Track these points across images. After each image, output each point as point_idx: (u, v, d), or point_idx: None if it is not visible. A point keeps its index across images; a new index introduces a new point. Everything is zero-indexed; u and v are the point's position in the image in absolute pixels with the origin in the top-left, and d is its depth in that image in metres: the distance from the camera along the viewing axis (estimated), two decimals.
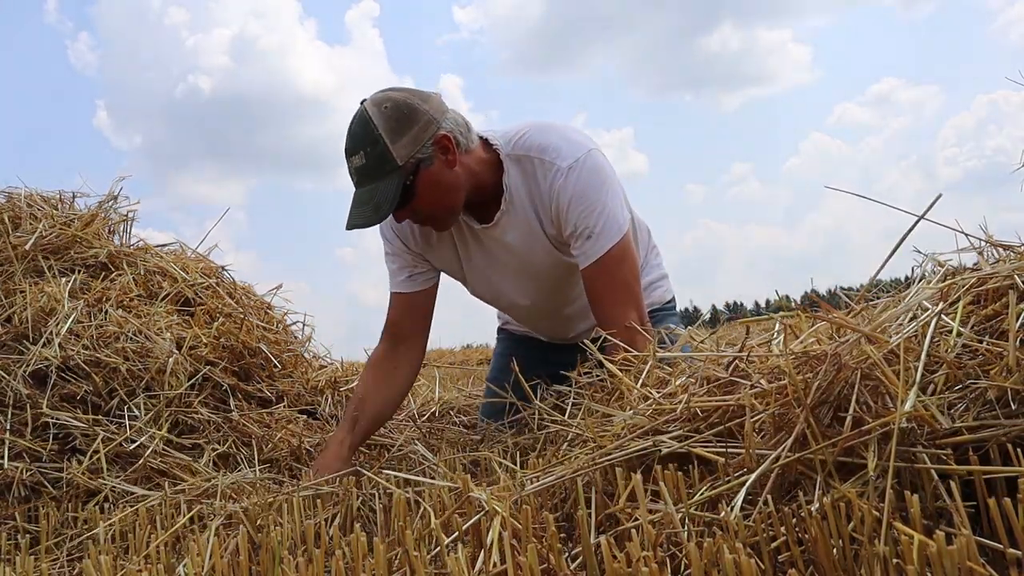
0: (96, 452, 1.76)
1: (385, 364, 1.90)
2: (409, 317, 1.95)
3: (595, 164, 1.69)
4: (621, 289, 1.69)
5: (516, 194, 1.74)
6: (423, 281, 1.92)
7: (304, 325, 2.70)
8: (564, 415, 1.40)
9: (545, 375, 1.96)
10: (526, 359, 1.94)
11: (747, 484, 0.85)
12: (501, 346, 2.38)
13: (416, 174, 1.62)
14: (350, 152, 1.63)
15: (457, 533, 0.98)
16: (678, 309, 2.25)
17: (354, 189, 1.65)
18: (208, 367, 2.10)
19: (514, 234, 1.79)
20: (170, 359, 2.00)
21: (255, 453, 1.92)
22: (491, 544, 0.90)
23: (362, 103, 1.64)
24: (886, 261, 1.02)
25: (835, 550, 0.73)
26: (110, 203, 2.66)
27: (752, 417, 0.92)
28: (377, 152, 1.59)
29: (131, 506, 1.56)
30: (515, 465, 1.34)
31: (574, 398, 1.46)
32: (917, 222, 0.99)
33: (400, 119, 1.60)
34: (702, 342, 1.36)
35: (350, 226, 1.63)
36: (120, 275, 2.34)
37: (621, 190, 1.77)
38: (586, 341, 1.57)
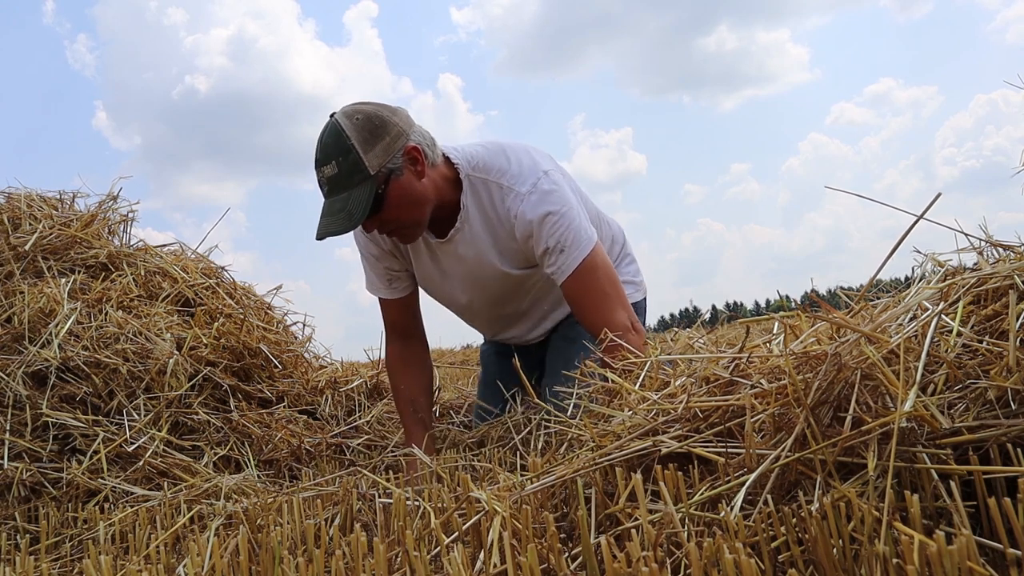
0: (96, 452, 1.76)
1: (413, 361, 2.00)
2: (408, 314, 2.03)
3: (552, 185, 1.74)
4: (601, 295, 1.73)
5: (472, 214, 1.79)
6: (403, 288, 1.99)
7: (304, 325, 2.70)
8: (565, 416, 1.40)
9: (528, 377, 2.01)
10: (503, 369, 1.99)
11: (747, 484, 0.85)
12: (483, 361, 2.42)
13: (387, 183, 1.65)
14: (321, 163, 1.65)
15: (457, 533, 0.98)
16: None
17: (324, 200, 1.67)
18: (208, 368, 2.10)
19: (466, 250, 1.84)
20: (170, 360, 2.00)
21: (252, 454, 1.92)
22: (491, 544, 0.90)
23: (332, 116, 1.68)
24: (886, 261, 1.02)
25: (835, 550, 0.73)
26: (110, 203, 2.66)
27: (752, 417, 0.92)
28: (350, 161, 1.62)
29: (131, 506, 1.56)
30: (515, 466, 1.34)
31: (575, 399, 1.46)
32: (916, 221, 0.99)
33: (372, 130, 1.63)
34: (700, 341, 1.36)
35: (322, 235, 1.65)
36: (120, 276, 2.34)
37: (584, 203, 1.84)
38: (588, 343, 1.60)
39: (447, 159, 1.79)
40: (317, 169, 1.67)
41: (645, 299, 2.23)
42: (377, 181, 1.63)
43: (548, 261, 1.74)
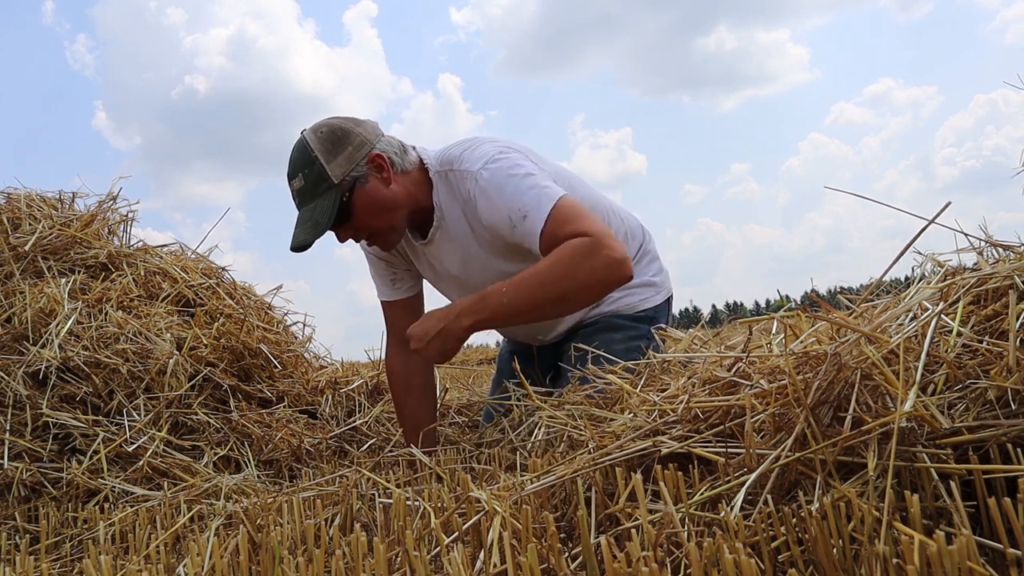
0: (96, 452, 1.76)
1: (415, 383, 2.00)
2: (407, 322, 2.01)
3: (504, 158, 1.70)
4: (579, 217, 1.60)
5: (447, 210, 1.79)
6: (407, 289, 2.00)
7: (304, 325, 2.70)
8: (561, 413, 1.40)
9: (540, 375, 1.99)
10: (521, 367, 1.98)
11: (747, 484, 0.85)
12: (498, 360, 2.41)
13: (352, 191, 1.69)
14: (290, 177, 1.72)
15: (457, 533, 0.98)
16: (664, 317, 2.10)
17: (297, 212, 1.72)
18: (208, 368, 2.10)
19: (449, 249, 1.84)
20: (170, 360, 2.00)
21: (252, 454, 1.92)
22: (491, 544, 0.90)
23: (302, 132, 1.73)
24: (890, 267, 1.02)
25: (835, 550, 0.73)
26: (109, 203, 2.66)
27: (752, 417, 0.92)
28: (314, 173, 1.67)
29: (131, 506, 1.56)
30: (515, 466, 1.34)
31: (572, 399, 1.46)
32: (925, 228, 0.98)
33: (334, 141, 1.69)
34: (704, 344, 1.36)
35: (293, 245, 1.70)
36: (120, 276, 2.34)
37: (549, 173, 1.73)
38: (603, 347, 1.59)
39: (423, 163, 1.80)
40: (288, 183, 1.73)
41: (669, 300, 2.12)
42: (341, 189, 1.68)
43: (516, 233, 1.66)
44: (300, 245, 1.69)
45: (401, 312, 2.01)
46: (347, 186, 1.68)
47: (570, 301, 1.64)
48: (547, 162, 1.85)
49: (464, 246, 1.81)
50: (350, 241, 1.85)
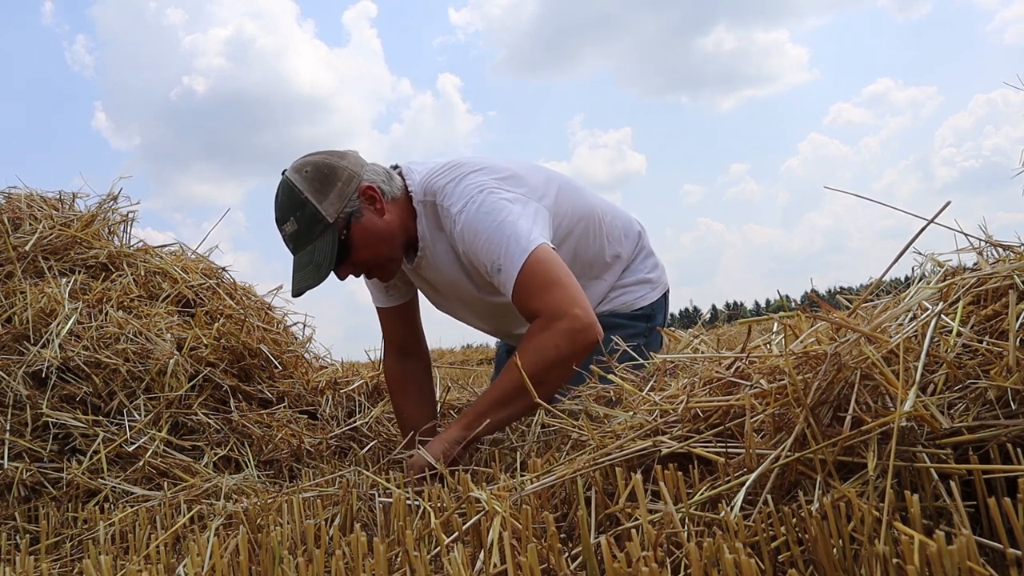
0: (96, 452, 1.76)
1: (412, 387, 2.00)
2: (402, 327, 2.03)
3: (485, 204, 1.65)
4: (543, 288, 1.59)
5: (431, 241, 1.77)
6: (400, 296, 1.99)
7: (304, 326, 2.70)
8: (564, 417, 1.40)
9: None
10: None
11: (747, 484, 0.85)
12: (496, 361, 2.43)
13: (349, 228, 1.66)
14: (281, 221, 1.68)
15: (457, 533, 0.98)
16: (662, 317, 2.12)
17: (292, 256, 1.69)
18: (208, 368, 2.10)
19: (434, 276, 1.83)
20: (171, 360, 2.00)
21: (252, 454, 1.92)
22: (491, 544, 0.90)
23: (283, 173, 1.69)
24: (890, 267, 1.02)
25: (835, 550, 0.73)
26: (110, 204, 2.66)
27: (752, 417, 0.92)
28: (307, 215, 1.64)
29: (131, 506, 1.56)
30: (516, 466, 1.34)
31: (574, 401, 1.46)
32: (925, 227, 0.98)
33: (322, 179, 1.65)
34: (700, 341, 1.36)
35: (296, 291, 1.67)
36: (120, 276, 2.34)
37: (535, 212, 1.70)
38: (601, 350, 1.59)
39: (406, 189, 1.78)
40: (279, 228, 1.69)
41: (665, 295, 2.12)
42: (338, 227, 1.65)
43: (494, 280, 1.66)
44: (303, 290, 1.67)
45: (396, 318, 2.01)
46: (343, 223, 1.65)
47: (549, 383, 1.55)
48: (536, 172, 1.84)
49: (452, 276, 1.80)
50: None
